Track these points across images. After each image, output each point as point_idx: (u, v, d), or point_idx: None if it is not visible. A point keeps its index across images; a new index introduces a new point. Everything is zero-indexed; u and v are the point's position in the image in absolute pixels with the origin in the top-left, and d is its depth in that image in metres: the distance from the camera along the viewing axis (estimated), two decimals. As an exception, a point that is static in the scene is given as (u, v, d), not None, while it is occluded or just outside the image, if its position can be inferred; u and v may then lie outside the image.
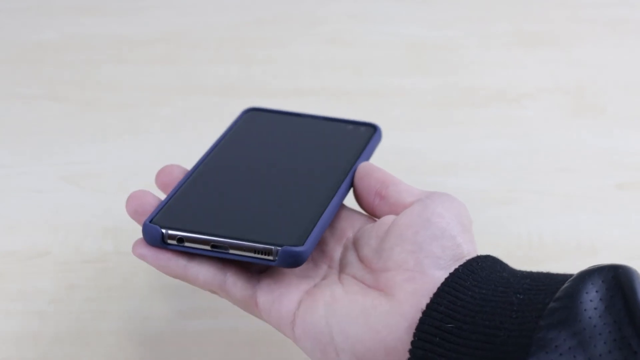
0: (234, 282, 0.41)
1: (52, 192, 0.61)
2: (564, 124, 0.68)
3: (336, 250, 0.44)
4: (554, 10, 0.81)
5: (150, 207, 0.43)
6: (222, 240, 0.41)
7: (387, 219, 0.43)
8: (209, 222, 0.42)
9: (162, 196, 0.45)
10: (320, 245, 0.45)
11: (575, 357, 0.33)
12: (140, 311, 0.52)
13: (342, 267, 0.43)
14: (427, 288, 0.39)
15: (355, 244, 0.44)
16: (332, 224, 0.45)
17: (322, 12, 0.82)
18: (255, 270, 0.43)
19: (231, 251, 0.41)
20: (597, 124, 0.68)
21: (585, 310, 0.35)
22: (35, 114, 0.69)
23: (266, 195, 0.45)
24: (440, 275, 0.39)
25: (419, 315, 0.38)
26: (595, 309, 0.35)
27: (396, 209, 0.44)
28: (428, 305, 0.38)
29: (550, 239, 0.57)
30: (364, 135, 0.50)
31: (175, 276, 0.42)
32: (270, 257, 0.40)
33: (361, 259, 0.43)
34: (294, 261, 0.40)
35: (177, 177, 0.46)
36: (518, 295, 0.37)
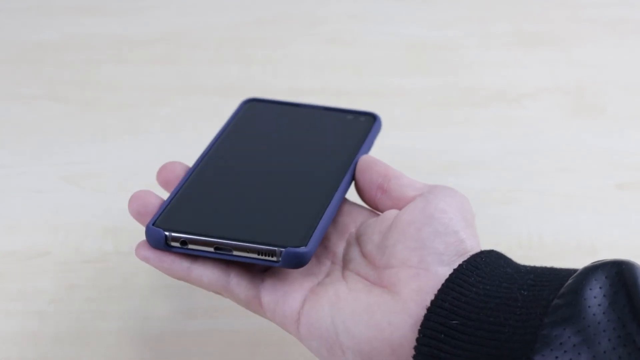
0: (238, 282, 0.41)
1: (52, 192, 0.61)
2: (564, 124, 0.68)
3: (339, 246, 0.44)
4: (554, 10, 0.81)
5: (152, 207, 0.43)
6: (225, 242, 0.41)
7: (390, 214, 0.43)
8: (211, 224, 0.42)
9: (164, 195, 0.45)
10: (323, 241, 0.44)
11: (580, 355, 0.34)
12: (140, 311, 0.52)
13: (345, 264, 0.43)
14: (431, 285, 0.39)
15: (358, 239, 0.44)
16: (334, 219, 0.45)
17: (322, 12, 0.82)
18: (259, 269, 0.43)
19: (235, 253, 0.41)
20: (597, 124, 0.68)
21: (589, 307, 0.35)
22: (35, 114, 0.69)
23: (268, 193, 0.45)
24: (444, 272, 0.39)
25: (424, 312, 0.38)
26: (599, 305, 0.35)
27: (398, 203, 0.44)
28: (432, 302, 0.38)
29: (550, 239, 0.57)
30: (364, 125, 0.50)
31: (179, 278, 0.42)
32: (274, 259, 0.40)
33: (364, 255, 0.43)
34: (298, 262, 0.40)
35: (178, 174, 0.46)
36: (522, 292, 0.37)
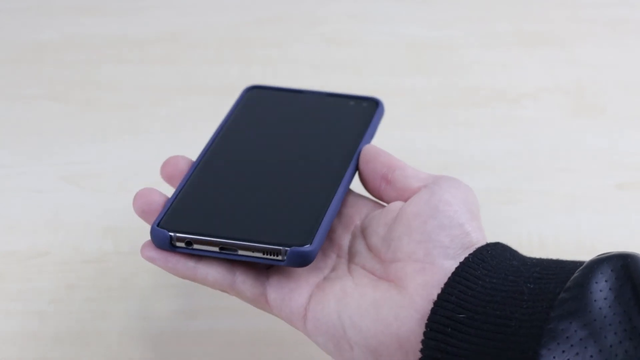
0: (244, 280, 0.42)
1: (52, 192, 0.61)
2: (564, 124, 0.68)
3: (344, 239, 0.44)
4: (554, 10, 0.81)
5: (157, 205, 0.43)
6: (230, 242, 0.41)
7: (395, 206, 0.43)
8: (216, 224, 0.42)
9: (168, 192, 0.45)
10: (329, 234, 0.44)
11: (586, 349, 0.34)
12: (140, 311, 0.52)
13: (350, 257, 0.43)
14: (437, 279, 0.39)
15: (364, 232, 0.44)
16: (339, 210, 0.45)
17: (322, 12, 0.82)
18: (264, 266, 0.43)
19: (239, 252, 0.41)
20: (597, 124, 0.68)
21: (595, 300, 0.35)
22: (35, 114, 0.69)
23: (271, 187, 0.44)
24: (450, 265, 0.39)
25: (430, 306, 0.38)
26: (605, 299, 0.35)
27: (403, 194, 0.44)
28: (439, 296, 0.38)
29: (551, 239, 0.57)
30: (367, 112, 0.50)
31: (185, 277, 0.42)
32: (279, 257, 0.40)
33: (370, 248, 0.43)
34: (303, 261, 0.40)
35: (182, 169, 0.46)
36: (528, 285, 0.37)
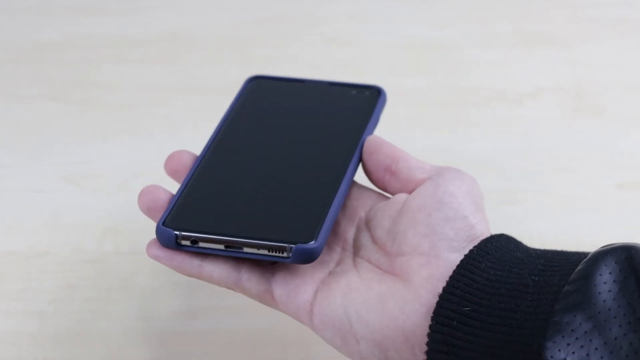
0: (249, 278, 0.42)
1: (52, 192, 0.61)
2: (564, 124, 0.68)
3: (349, 231, 0.44)
4: (554, 10, 0.81)
5: (162, 203, 0.43)
6: (235, 240, 0.41)
7: (399, 198, 0.43)
8: (221, 221, 0.42)
9: (173, 188, 0.45)
10: (333, 227, 0.44)
11: (591, 341, 0.34)
12: (140, 311, 0.52)
13: (356, 250, 0.43)
14: (442, 272, 0.39)
15: (368, 224, 0.44)
16: (343, 203, 0.45)
17: (322, 12, 0.82)
18: (269, 263, 0.43)
19: (245, 250, 0.41)
20: (597, 124, 0.68)
21: (599, 293, 0.35)
22: (35, 114, 0.69)
23: (275, 183, 0.44)
24: (454, 258, 0.39)
25: (436, 299, 0.38)
26: (609, 291, 0.35)
27: (407, 185, 0.44)
28: (444, 289, 0.38)
29: (551, 239, 0.57)
30: (369, 101, 0.50)
31: (190, 275, 0.42)
32: (285, 254, 0.40)
33: (375, 241, 0.43)
34: (308, 258, 0.40)
35: (186, 164, 0.46)
36: (533, 277, 0.37)
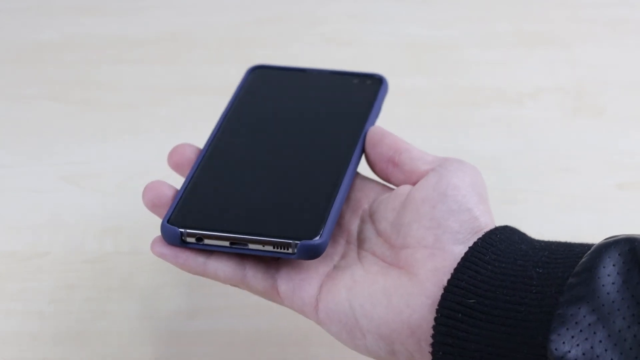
0: (254, 274, 0.42)
1: (52, 192, 0.61)
2: (564, 124, 0.68)
3: (353, 223, 0.44)
4: (554, 10, 0.81)
5: (166, 199, 0.43)
6: (241, 236, 0.41)
7: (403, 190, 0.43)
8: (226, 218, 0.42)
9: (177, 183, 0.45)
10: (337, 219, 0.44)
11: (595, 334, 0.34)
12: (140, 311, 0.52)
13: (360, 243, 0.43)
14: (447, 265, 0.39)
15: (372, 216, 0.44)
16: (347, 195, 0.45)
17: (322, 12, 0.82)
18: (274, 258, 0.43)
19: (250, 246, 0.41)
20: (597, 124, 0.68)
21: (603, 285, 0.35)
22: (35, 114, 0.69)
23: (279, 177, 0.44)
24: (459, 251, 0.39)
25: (441, 292, 0.38)
26: (613, 283, 0.35)
27: (410, 177, 0.44)
28: (449, 282, 0.38)
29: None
30: (371, 90, 0.50)
31: (195, 273, 0.42)
32: (290, 251, 0.41)
33: (379, 234, 0.43)
34: (314, 254, 0.40)
35: (189, 157, 0.46)
36: (537, 269, 0.37)
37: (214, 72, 0.73)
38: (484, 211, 0.41)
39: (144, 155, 0.64)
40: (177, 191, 0.44)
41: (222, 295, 0.52)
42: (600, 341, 0.34)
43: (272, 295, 0.42)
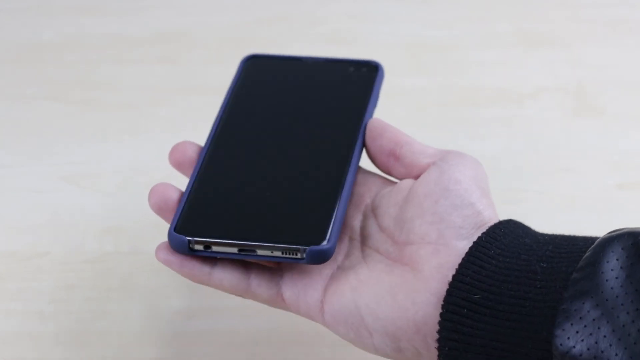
0: (259, 283, 0.42)
1: (52, 192, 0.61)
2: (564, 124, 0.68)
3: (356, 219, 0.44)
4: (554, 10, 0.81)
5: (173, 203, 0.43)
6: (249, 243, 0.41)
7: (405, 185, 0.43)
8: (233, 224, 0.41)
9: (178, 182, 0.44)
10: None
11: (599, 329, 0.34)
12: (140, 311, 0.52)
13: (363, 239, 0.43)
14: (451, 261, 0.39)
15: (374, 211, 0.44)
16: None
17: (322, 12, 0.82)
18: (277, 265, 0.43)
19: (258, 252, 0.41)
20: (597, 124, 0.68)
21: (606, 280, 0.35)
22: (35, 114, 0.69)
23: (281, 178, 0.44)
24: (463, 246, 0.39)
25: (446, 288, 0.38)
26: (616, 278, 0.35)
27: (412, 170, 0.44)
28: (454, 277, 0.38)
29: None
30: (368, 78, 0.50)
31: (200, 282, 0.42)
32: (299, 256, 0.40)
33: (382, 230, 0.43)
34: (322, 258, 0.40)
35: (190, 156, 0.45)
36: (541, 264, 0.37)
37: (214, 72, 0.73)
38: (486, 205, 0.41)
39: (144, 155, 0.64)
40: (182, 195, 0.43)
41: (222, 295, 0.52)
42: (605, 336, 0.34)
43: (278, 302, 0.42)
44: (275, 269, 0.42)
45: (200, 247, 0.41)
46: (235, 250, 0.41)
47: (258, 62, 0.52)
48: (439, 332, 0.38)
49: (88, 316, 0.52)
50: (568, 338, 0.34)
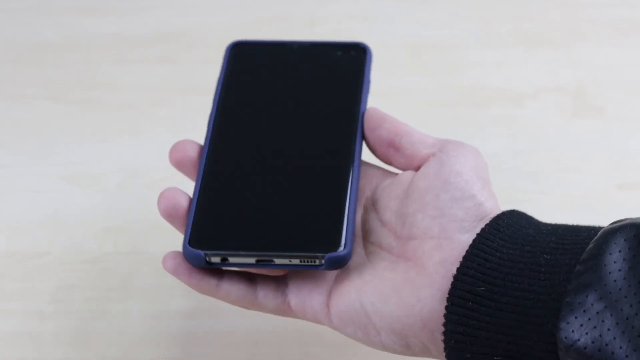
0: (265, 294, 0.42)
1: (52, 192, 0.61)
2: (564, 124, 0.68)
3: (357, 213, 0.44)
4: (554, 10, 0.81)
5: (183, 209, 0.42)
6: (267, 253, 0.40)
7: (405, 177, 0.43)
8: (249, 235, 0.41)
9: (178, 182, 0.44)
10: None
11: (603, 322, 0.34)
12: (140, 311, 0.52)
13: (365, 234, 0.43)
14: (455, 254, 0.39)
15: (375, 204, 0.44)
16: None
17: (322, 12, 0.82)
18: (282, 275, 0.42)
19: (276, 261, 0.40)
20: (597, 124, 0.67)
21: (609, 272, 0.35)
22: (35, 114, 0.69)
23: (289, 179, 0.43)
24: (466, 239, 0.39)
25: (450, 282, 0.38)
26: (619, 270, 0.35)
27: (412, 161, 0.44)
28: (458, 270, 0.38)
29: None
30: (357, 61, 0.49)
31: (207, 294, 0.42)
32: (317, 263, 0.40)
33: (384, 224, 0.43)
34: (340, 264, 0.40)
35: (191, 155, 0.45)
36: (545, 256, 0.37)
37: (214, 72, 0.73)
38: (488, 196, 0.41)
39: (144, 155, 0.64)
40: (191, 201, 0.43)
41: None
42: (609, 329, 0.34)
43: (285, 310, 0.42)
44: (279, 278, 0.42)
45: (217, 260, 0.41)
46: (252, 260, 0.40)
47: (244, 48, 0.50)
48: (444, 325, 0.38)
49: (88, 316, 0.52)
50: (572, 331, 0.34)
